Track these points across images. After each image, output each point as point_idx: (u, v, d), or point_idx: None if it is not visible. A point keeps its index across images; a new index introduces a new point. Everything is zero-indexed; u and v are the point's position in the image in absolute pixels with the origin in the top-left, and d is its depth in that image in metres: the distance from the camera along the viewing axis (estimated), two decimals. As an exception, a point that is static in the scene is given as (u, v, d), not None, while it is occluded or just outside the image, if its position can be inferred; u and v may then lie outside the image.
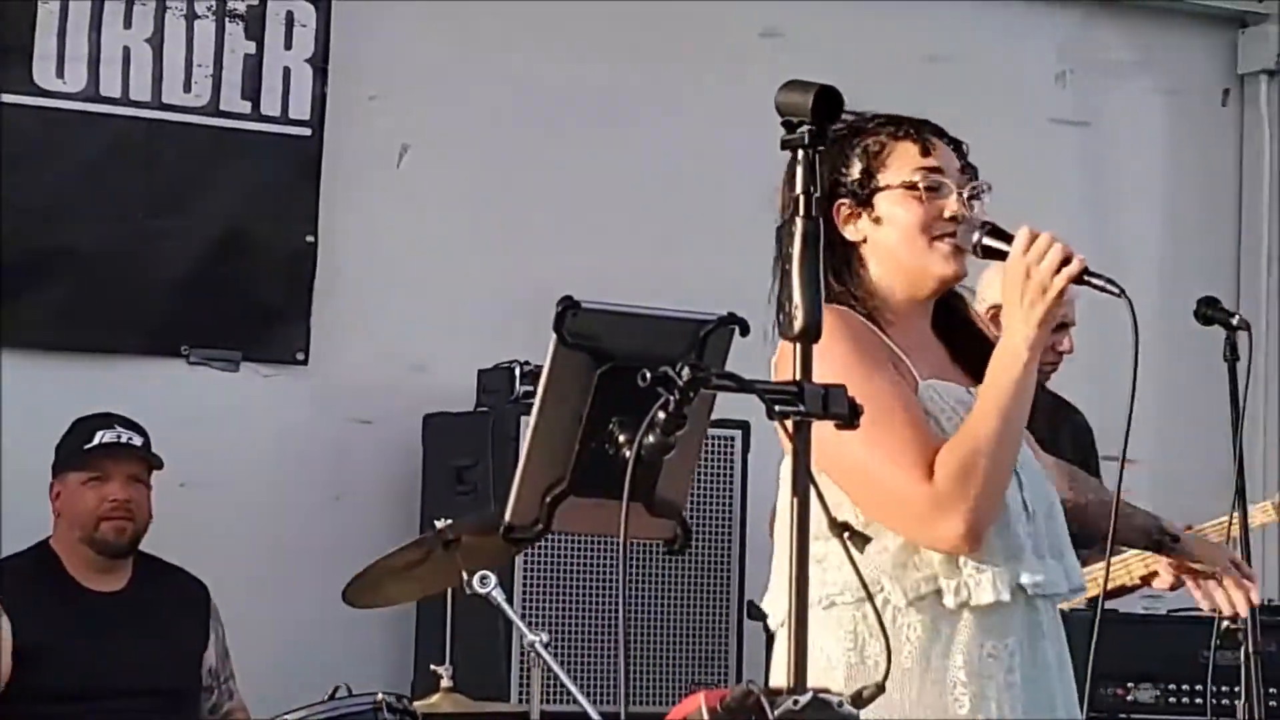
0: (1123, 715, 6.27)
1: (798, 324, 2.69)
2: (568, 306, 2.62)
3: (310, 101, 6.20)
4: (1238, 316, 4.48)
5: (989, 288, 4.66)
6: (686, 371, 2.54)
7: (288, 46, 6.19)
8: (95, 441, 5.43)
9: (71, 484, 5.45)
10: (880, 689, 2.68)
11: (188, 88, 6.07)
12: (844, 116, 3.19)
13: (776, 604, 3.16)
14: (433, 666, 5.07)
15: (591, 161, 6.55)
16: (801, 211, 2.71)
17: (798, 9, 6.80)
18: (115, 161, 5.99)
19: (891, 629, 3.07)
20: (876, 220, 3.21)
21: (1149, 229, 7.47)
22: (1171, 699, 6.24)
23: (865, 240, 3.22)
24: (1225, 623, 4.39)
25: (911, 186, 3.19)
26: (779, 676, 3.00)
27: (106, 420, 5.49)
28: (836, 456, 3.01)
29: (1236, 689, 4.41)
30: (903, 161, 3.21)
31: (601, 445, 2.64)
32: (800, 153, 2.71)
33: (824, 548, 2.94)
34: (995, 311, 4.63)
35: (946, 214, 3.19)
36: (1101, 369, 7.34)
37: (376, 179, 6.34)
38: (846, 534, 2.68)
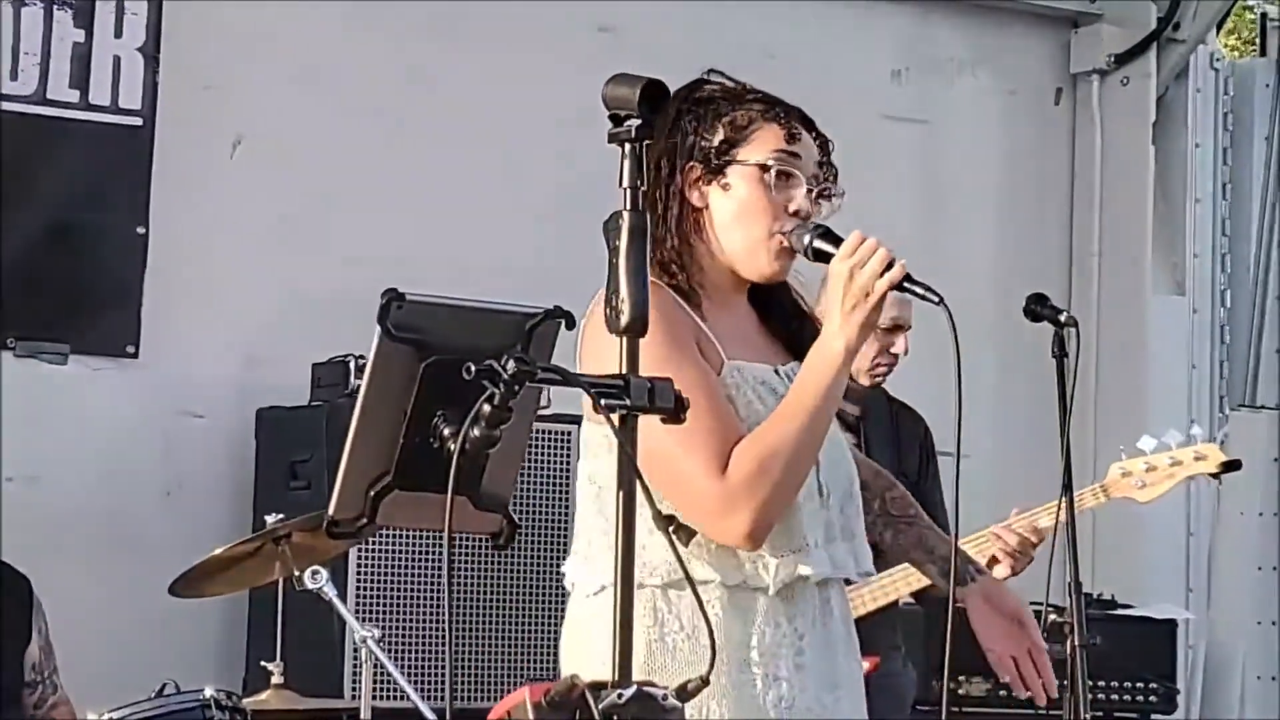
0: (955, 708, 6.34)
1: (624, 318, 2.70)
2: (392, 298, 2.60)
3: (142, 91, 6.13)
4: (1065, 313, 4.53)
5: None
6: (511, 364, 2.53)
7: (118, 35, 6.11)
8: (-84, 435, 5.34)
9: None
10: (705, 681, 2.68)
11: (15, 76, 5.97)
12: (724, 83, 3.20)
13: (584, 572, 3.17)
14: (263, 663, 5.03)
15: (427, 154, 6.52)
16: (628, 205, 2.71)
17: (633, 5, 6.80)
18: (-60, 150, 5.90)
19: (693, 610, 3.08)
20: (723, 190, 3.18)
21: (984, 226, 7.55)
22: (1003, 691, 6.31)
23: (706, 207, 3.19)
24: (1052, 616, 4.44)
25: (764, 168, 3.17)
26: (577, 649, 3.06)
27: (-72, 413, 5.40)
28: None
29: (1064, 682, 4.46)
30: (765, 142, 3.18)
31: (426, 439, 2.63)
32: (627, 146, 2.71)
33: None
34: None
35: (791, 207, 3.18)
36: (942, 369, 7.43)
37: (209, 170, 6.28)
38: (672, 527, 2.69)
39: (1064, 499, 4.53)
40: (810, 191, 3.18)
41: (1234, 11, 8.81)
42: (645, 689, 2.63)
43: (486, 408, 2.54)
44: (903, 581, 4.73)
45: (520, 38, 6.66)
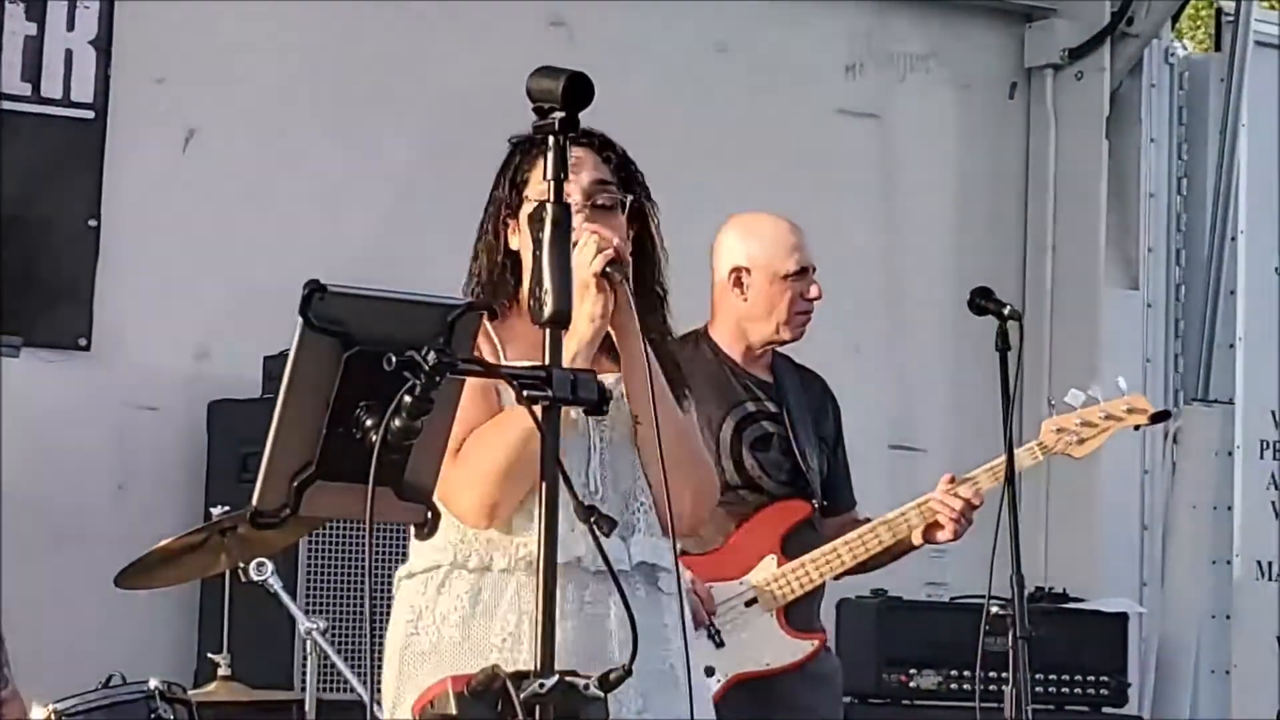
0: (906, 700, 6.36)
1: (548, 309, 2.73)
2: (314, 289, 2.61)
3: (94, 84, 6.13)
4: (1009, 307, 4.56)
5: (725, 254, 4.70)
6: (432, 356, 2.55)
7: (70, 28, 6.10)
8: None
9: None
10: (628, 672, 2.70)
11: (-34, 69, 5.98)
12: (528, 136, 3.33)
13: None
14: (210, 655, 5.03)
15: (378, 148, 6.52)
16: (551, 198, 2.73)
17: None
18: (-110, 143, 5.89)
19: (446, 596, 3.29)
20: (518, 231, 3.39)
21: (938, 220, 7.56)
22: (953, 684, 6.34)
23: (519, 249, 3.39)
24: (994, 609, 4.46)
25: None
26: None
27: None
28: None
29: (1008, 674, 4.48)
30: (538, 176, 3.35)
31: (349, 430, 2.65)
32: (551, 139, 2.73)
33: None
34: (736, 273, 4.66)
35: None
36: (898, 359, 7.46)
37: (161, 163, 6.27)
38: (593, 518, 2.71)
39: (1007, 490, 4.56)
40: (587, 202, 3.34)
41: (1191, 7, 8.84)
42: (568, 678, 2.65)
43: (408, 399, 2.57)
44: (826, 565, 4.73)
45: (472, 32, 6.66)
